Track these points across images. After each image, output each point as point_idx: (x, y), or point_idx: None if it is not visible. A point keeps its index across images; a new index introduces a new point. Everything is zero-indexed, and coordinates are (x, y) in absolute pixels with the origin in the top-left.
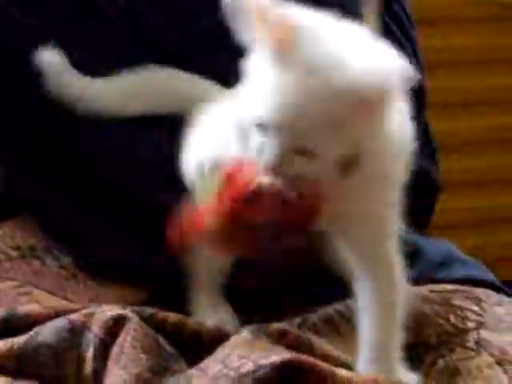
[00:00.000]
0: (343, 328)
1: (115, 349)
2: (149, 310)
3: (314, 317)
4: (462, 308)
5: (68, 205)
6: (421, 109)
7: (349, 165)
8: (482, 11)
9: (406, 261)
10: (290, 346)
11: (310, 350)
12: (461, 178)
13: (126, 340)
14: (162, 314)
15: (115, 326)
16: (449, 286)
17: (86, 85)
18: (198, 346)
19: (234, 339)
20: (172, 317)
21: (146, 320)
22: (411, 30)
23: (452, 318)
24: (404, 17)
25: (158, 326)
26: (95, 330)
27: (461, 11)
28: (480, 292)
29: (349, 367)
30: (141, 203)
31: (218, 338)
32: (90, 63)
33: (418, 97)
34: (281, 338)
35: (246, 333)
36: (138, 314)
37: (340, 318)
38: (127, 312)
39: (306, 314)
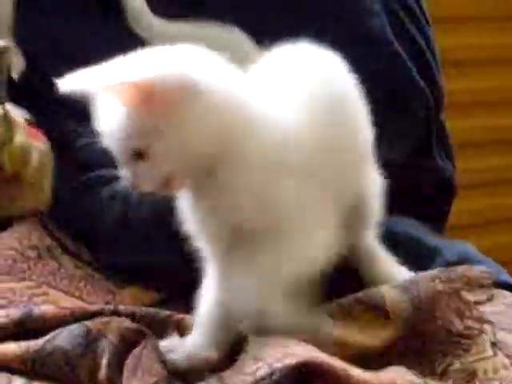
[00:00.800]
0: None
1: (132, 359)
2: (164, 312)
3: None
4: (477, 308)
5: (87, 205)
6: (438, 109)
7: None
8: (498, 9)
9: (423, 260)
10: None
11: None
12: (478, 178)
13: (142, 351)
14: (178, 316)
15: (132, 337)
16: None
17: (164, 27)
18: None
19: (248, 340)
20: (187, 319)
21: (162, 322)
22: (426, 27)
23: (467, 318)
24: (419, 14)
25: (174, 328)
26: (111, 339)
27: (476, 9)
28: (496, 292)
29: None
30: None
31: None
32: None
33: (436, 95)
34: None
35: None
36: (153, 315)
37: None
38: (142, 328)
39: None
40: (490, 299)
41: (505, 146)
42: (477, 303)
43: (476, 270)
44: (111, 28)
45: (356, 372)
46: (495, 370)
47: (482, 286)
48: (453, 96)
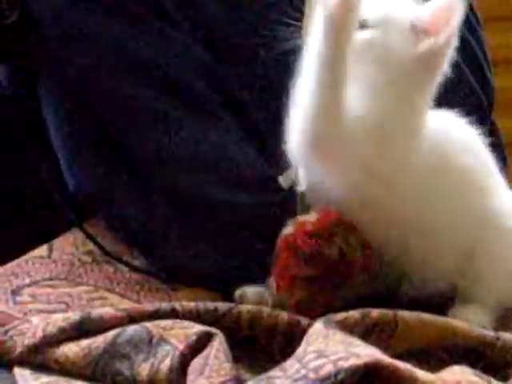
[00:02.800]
0: None
1: (199, 361)
2: (223, 306)
3: None
4: None
5: (143, 210)
6: (490, 108)
7: None
8: None
9: None
10: (363, 333)
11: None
12: None
13: (210, 353)
14: (236, 311)
15: (198, 342)
16: None
17: None
18: (273, 339)
19: (309, 333)
20: (245, 314)
21: (221, 317)
22: (479, 29)
23: None
24: (470, 14)
25: (233, 323)
26: (175, 343)
27: None
28: None
29: None
30: (212, 207)
31: (292, 331)
32: (154, 62)
33: (488, 95)
34: (354, 327)
35: (319, 324)
36: (212, 311)
37: None
38: (211, 329)
39: None
40: None
41: None
42: None
43: None
44: None
45: (420, 373)
46: None
47: None
48: (501, 94)
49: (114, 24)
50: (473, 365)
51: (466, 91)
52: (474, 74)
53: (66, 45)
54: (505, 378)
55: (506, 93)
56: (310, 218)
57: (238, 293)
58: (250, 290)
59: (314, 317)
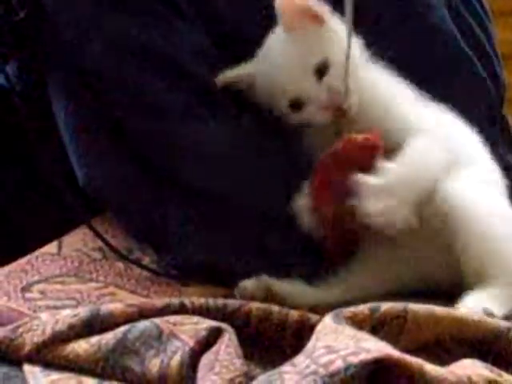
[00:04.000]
0: None
1: (209, 356)
2: (232, 305)
3: None
4: None
5: (153, 206)
6: (501, 103)
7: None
8: None
9: None
10: (373, 328)
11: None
12: None
13: (220, 348)
14: (246, 307)
15: (208, 337)
16: None
17: None
18: (283, 335)
19: (318, 328)
20: (255, 310)
21: (230, 314)
22: (489, 24)
23: None
24: (481, 12)
25: (243, 319)
26: (185, 339)
27: None
28: None
29: None
30: (220, 204)
31: (301, 327)
32: (172, 57)
33: (497, 87)
34: (363, 322)
35: (328, 320)
36: (222, 307)
37: None
38: (221, 324)
39: None
40: None
41: None
42: None
43: None
44: None
45: (430, 367)
46: None
47: None
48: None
49: (123, 15)
50: (484, 357)
51: (477, 83)
52: (483, 67)
53: (77, 36)
54: None
55: None
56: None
57: (236, 290)
58: (249, 283)
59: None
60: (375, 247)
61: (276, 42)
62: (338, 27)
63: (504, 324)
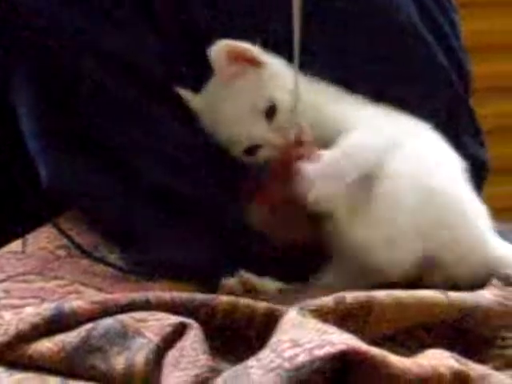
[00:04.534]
0: None
1: (174, 353)
2: (198, 299)
3: None
4: None
5: (119, 204)
6: (466, 92)
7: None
8: None
9: None
10: (338, 320)
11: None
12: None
13: (185, 344)
14: (212, 302)
15: (173, 334)
16: None
17: None
18: (250, 329)
19: (283, 322)
20: (222, 304)
21: (196, 309)
22: (453, 14)
23: None
24: (447, 3)
25: (209, 314)
26: (149, 336)
27: None
28: None
29: None
30: (183, 202)
31: (268, 320)
32: (143, 60)
33: (463, 80)
34: (328, 314)
35: (293, 313)
36: (188, 302)
37: None
38: (186, 319)
39: None
40: None
41: None
42: None
43: None
44: None
45: (395, 359)
46: None
47: None
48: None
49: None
50: (453, 343)
51: (439, 74)
52: (446, 56)
53: (43, 36)
54: (485, 357)
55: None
56: None
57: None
58: (232, 281)
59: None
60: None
61: (219, 92)
62: (274, 65)
63: (470, 302)
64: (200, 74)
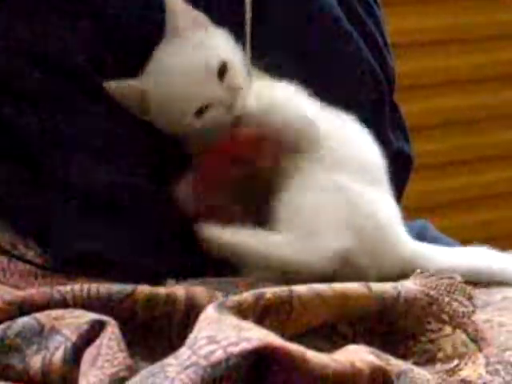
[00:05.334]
0: None
1: (92, 351)
2: (116, 295)
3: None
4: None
5: (36, 200)
6: (390, 88)
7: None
8: None
9: None
10: (258, 316)
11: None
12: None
13: (103, 342)
14: (131, 298)
15: (90, 331)
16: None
17: None
18: (170, 325)
19: (201, 319)
20: (141, 300)
21: (115, 305)
22: (379, 14)
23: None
24: (372, 1)
25: (128, 310)
26: (66, 333)
27: None
28: None
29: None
30: (103, 198)
31: (188, 316)
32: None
33: (388, 76)
34: (247, 311)
35: (211, 310)
36: (106, 298)
37: None
38: (103, 317)
39: None
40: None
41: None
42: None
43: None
44: None
45: (312, 355)
46: (454, 348)
47: (468, 298)
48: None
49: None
50: (376, 337)
51: (364, 69)
52: (372, 54)
53: None
54: (408, 352)
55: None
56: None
57: None
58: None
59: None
60: None
61: (168, 53)
62: (217, 31)
63: (392, 293)
64: (124, 61)
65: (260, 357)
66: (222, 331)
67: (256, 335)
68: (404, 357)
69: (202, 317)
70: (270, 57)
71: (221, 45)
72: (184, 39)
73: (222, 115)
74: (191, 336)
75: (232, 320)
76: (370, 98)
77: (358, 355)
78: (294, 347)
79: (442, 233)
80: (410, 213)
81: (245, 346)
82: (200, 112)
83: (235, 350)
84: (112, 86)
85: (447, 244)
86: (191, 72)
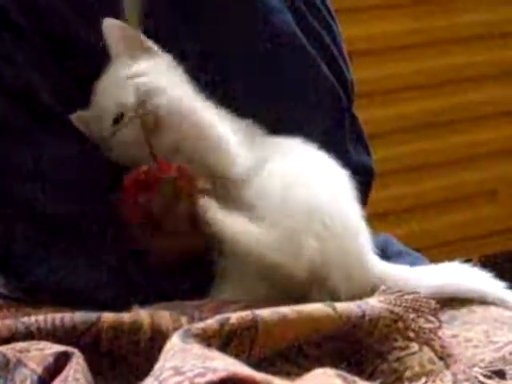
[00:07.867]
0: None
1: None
2: (81, 325)
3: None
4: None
5: (0, 228)
6: (349, 100)
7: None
8: None
9: None
10: (223, 342)
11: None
12: (392, 166)
13: (69, 374)
14: (96, 327)
15: (55, 363)
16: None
17: None
18: (136, 354)
19: (166, 348)
20: (106, 330)
21: (80, 335)
22: (333, 24)
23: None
24: (323, 9)
25: (93, 340)
26: (32, 366)
27: None
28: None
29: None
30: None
31: (154, 344)
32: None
33: (345, 88)
34: (212, 337)
35: (176, 339)
36: (71, 329)
37: None
38: (68, 348)
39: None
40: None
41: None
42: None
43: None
44: None
45: (278, 383)
46: (422, 366)
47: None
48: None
49: None
50: (344, 358)
51: (326, 86)
52: (329, 68)
53: None
54: (376, 372)
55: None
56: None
57: None
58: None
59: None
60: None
61: (101, 78)
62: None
63: (356, 312)
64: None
65: None
66: (187, 361)
67: (222, 365)
68: (372, 376)
69: (168, 346)
70: (226, 84)
71: (150, 71)
72: (117, 63)
73: (136, 128)
74: (157, 366)
75: (197, 349)
76: (329, 112)
77: (324, 380)
78: (261, 376)
79: (406, 239)
80: (373, 219)
81: (211, 376)
82: (116, 121)
83: (202, 381)
84: (74, 117)
85: (411, 257)
86: (110, 83)
